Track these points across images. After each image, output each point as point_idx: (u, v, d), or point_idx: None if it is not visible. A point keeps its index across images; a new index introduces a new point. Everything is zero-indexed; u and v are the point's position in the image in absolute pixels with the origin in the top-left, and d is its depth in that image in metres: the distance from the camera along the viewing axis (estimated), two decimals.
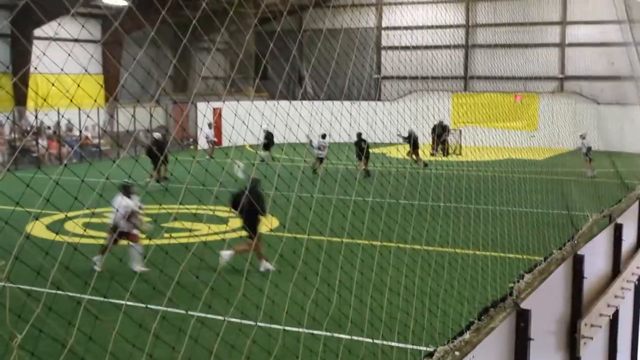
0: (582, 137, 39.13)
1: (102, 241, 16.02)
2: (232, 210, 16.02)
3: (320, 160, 36.15)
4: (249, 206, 15.03)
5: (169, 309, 5.45)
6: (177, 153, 39.86)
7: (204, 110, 45.94)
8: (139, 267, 14.16)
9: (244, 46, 37.36)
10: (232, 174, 16.77)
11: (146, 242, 16.31)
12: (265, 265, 15.66)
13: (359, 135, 35.96)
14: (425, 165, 34.58)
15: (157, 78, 39.11)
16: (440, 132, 44.31)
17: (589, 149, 37.88)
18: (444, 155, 43.18)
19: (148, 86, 44.52)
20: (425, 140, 44.21)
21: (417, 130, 38.34)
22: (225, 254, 15.10)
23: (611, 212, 7.80)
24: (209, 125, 44.33)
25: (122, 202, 15.46)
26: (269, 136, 38.62)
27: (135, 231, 15.55)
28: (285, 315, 5.81)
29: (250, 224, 15.85)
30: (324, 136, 35.94)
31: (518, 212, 15.95)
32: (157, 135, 33.69)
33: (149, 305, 6.55)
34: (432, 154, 43.32)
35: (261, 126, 32.12)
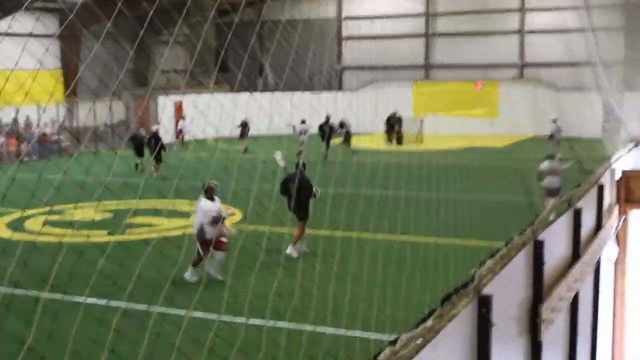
0: (554, 120, 38.78)
1: (65, 238, 15.83)
2: (282, 195, 16.04)
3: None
4: (299, 190, 15.35)
5: (130, 305, 5.41)
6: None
7: (163, 104, 45.62)
8: (218, 276, 12.71)
9: (201, 38, 37.09)
10: (270, 162, 16.87)
11: (106, 238, 16.18)
12: (296, 248, 15.26)
13: (328, 118, 36.69)
14: (354, 152, 35.39)
15: (117, 72, 38.79)
16: (393, 124, 44.54)
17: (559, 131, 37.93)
18: (399, 144, 43.35)
19: (108, 80, 44.19)
20: (379, 130, 44.50)
21: (349, 120, 39.00)
22: (293, 251, 14.66)
23: (570, 196, 7.88)
24: (184, 117, 43.73)
25: (204, 207, 14.01)
26: (244, 125, 38.58)
27: (223, 238, 14.17)
28: (248, 308, 5.80)
29: (301, 206, 15.98)
30: (303, 121, 36.29)
31: (479, 200, 16.09)
32: (155, 128, 34.05)
33: (109, 302, 6.49)
34: (387, 143, 43.43)
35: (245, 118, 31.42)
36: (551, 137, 37.67)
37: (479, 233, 13.14)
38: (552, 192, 17.48)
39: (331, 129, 36.25)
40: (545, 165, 18.39)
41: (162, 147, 29.62)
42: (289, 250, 15.43)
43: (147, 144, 31.54)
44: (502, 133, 47.46)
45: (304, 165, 16.37)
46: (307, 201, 16.50)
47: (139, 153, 31.01)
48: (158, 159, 28.91)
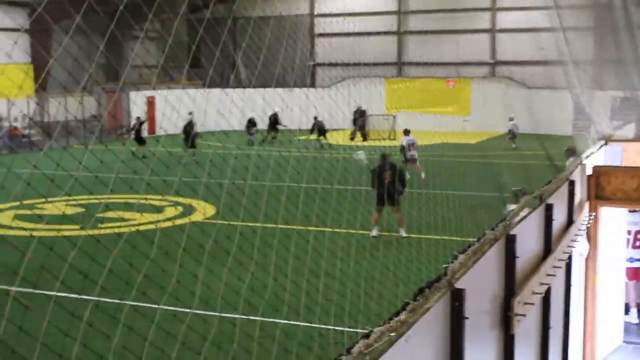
0: (511, 119, 40.84)
1: (36, 232, 15.70)
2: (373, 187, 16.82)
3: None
4: (391, 179, 16.09)
5: (102, 299, 5.36)
6: (110, 143, 39.37)
7: (134, 99, 45.33)
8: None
9: (172, 33, 37.19)
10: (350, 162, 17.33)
11: (76, 232, 16.09)
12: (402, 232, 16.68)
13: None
14: (322, 147, 36.44)
15: (88, 67, 38.50)
16: (357, 117, 44.64)
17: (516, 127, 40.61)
18: (363, 140, 43.44)
19: (78, 75, 43.75)
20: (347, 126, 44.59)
21: (323, 119, 40.00)
22: (403, 232, 16.13)
23: (541, 192, 7.92)
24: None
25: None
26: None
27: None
28: (221, 301, 5.78)
29: (391, 196, 16.63)
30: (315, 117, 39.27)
31: (452, 195, 16.15)
32: (190, 116, 35.86)
33: (81, 295, 6.44)
34: (351, 139, 43.44)
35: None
36: (509, 133, 40.09)
37: (452, 228, 13.21)
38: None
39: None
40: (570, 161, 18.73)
41: (197, 134, 34.29)
42: (402, 232, 16.42)
43: (182, 131, 35.24)
44: (475, 130, 47.68)
45: (389, 156, 17.20)
46: (397, 191, 17.20)
47: (188, 141, 34.61)
48: (193, 145, 33.27)
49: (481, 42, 53.80)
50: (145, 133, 38.64)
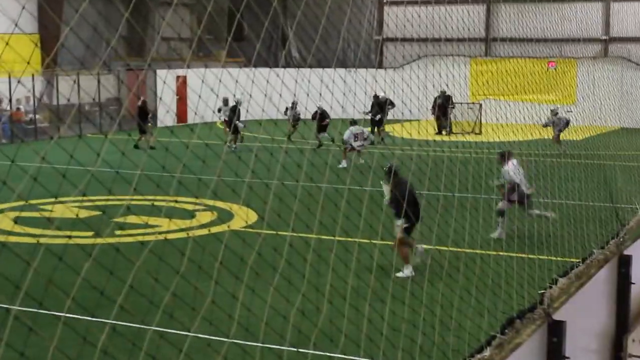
0: (555, 112, 40.11)
1: (43, 239, 15.86)
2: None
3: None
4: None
5: (120, 322, 5.45)
6: (134, 131, 39.84)
7: (164, 78, 45.73)
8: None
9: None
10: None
11: (91, 240, 16.28)
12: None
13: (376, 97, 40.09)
14: (320, 146, 37.26)
15: (108, 38, 38.97)
16: (442, 103, 44.15)
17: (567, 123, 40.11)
18: (447, 134, 43.15)
19: (96, 48, 44.34)
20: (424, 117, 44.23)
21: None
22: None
23: None
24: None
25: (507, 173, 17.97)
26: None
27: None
28: (265, 328, 5.82)
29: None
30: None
31: (550, 204, 16.00)
32: (236, 99, 37.13)
33: (95, 317, 6.54)
34: (437, 133, 43.29)
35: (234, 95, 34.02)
36: (546, 126, 40.32)
37: (550, 245, 13.08)
38: None
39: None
40: None
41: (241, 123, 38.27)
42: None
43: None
44: (580, 123, 47.11)
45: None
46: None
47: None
48: (235, 131, 37.63)
49: (592, 13, 53.20)
50: (150, 120, 40.48)
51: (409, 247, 16.98)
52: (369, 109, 42.18)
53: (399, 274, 16.15)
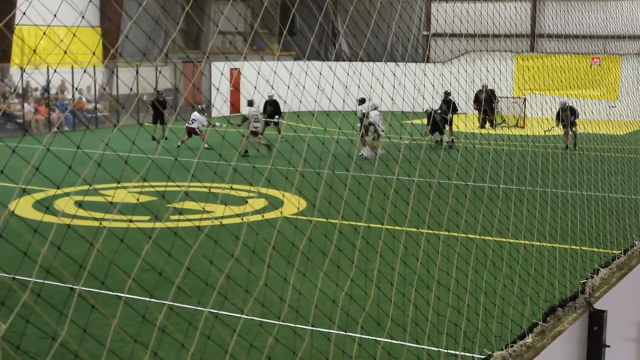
0: (563, 107, 39.31)
1: (105, 222, 16.08)
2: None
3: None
4: None
5: (176, 304, 5.50)
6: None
7: (222, 71, 45.82)
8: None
9: None
10: None
11: (151, 224, 16.42)
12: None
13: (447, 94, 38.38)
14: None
15: (166, 30, 39.20)
16: (488, 97, 43.65)
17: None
18: (492, 127, 42.72)
19: (155, 40, 44.62)
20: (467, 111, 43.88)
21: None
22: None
23: None
24: (201, 110, 42.02)
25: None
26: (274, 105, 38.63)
27: None
28: (314, 311, 5.84)
29: None
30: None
31: (594, 197, 15.86)
32: (271, 94, 37.31)
33: (153, 297, 6.62)
34: (481, 126, 42.94)
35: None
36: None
37: (592, 237, 12.99)
38: None
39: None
40: None
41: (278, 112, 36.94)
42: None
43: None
44: (624, 119, 46.59)
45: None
46: None
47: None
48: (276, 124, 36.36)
49: (638, 9, 52.49)
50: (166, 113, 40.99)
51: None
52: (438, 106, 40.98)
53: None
